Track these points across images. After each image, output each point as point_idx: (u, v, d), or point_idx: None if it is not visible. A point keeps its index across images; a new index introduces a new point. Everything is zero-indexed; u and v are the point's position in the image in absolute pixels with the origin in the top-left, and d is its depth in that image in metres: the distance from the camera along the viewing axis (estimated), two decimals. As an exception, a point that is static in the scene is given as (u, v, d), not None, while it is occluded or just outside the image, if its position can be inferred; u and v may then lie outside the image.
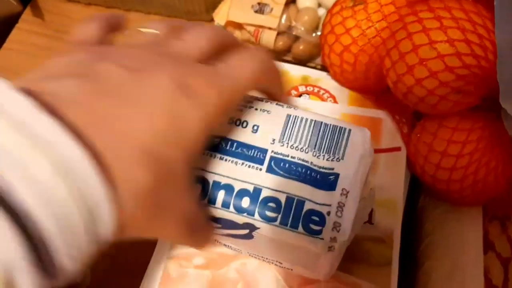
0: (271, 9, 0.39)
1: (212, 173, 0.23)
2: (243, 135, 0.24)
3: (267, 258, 0.27)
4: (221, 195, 0.23)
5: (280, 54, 0.41)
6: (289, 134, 0.24)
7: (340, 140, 0.23)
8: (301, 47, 0.40)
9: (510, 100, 0.28)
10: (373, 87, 0.35)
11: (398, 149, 0.34)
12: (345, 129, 0.24)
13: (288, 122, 0.24)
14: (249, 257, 0.31)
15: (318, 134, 0.24)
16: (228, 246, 0.28)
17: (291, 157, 0.23)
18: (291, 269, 0.28)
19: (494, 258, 0.32)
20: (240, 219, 0.23)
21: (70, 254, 0.16)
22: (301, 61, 0.41)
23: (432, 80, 0.28)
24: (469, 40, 0.28)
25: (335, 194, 0.22)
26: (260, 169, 0.23)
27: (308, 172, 0.23)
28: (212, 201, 0.23)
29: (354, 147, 0.23)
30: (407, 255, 0.35)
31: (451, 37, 0.28)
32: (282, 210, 0.22)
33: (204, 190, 0.23)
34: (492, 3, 0.28)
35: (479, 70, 0.28)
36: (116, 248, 0.38)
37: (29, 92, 0.16)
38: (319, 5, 0.41)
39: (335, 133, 0.24)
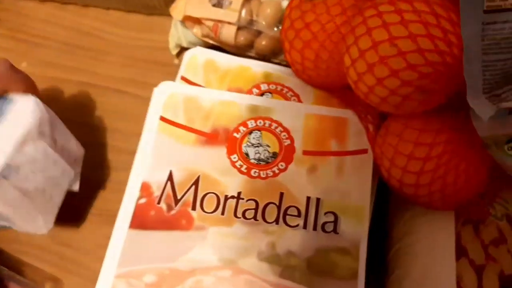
0: (230, 3, 0.37)
1: None
2: None
3: None
4: None
5: (243, 50, 0.39)
6: None
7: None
8: (263, 43, 0.37)
9: (478, 100, 0.26)
10: (337, 85, 0.33)
11: (364, 151, 0.32)
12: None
13: None
14: (204, 273, 0.29)
15: None
16: None
17: None
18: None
19: (467, 265, 0.30)
20: None
21: None
22: (266, 57, 0.39)
23: (394, 79, 0.26)
24: (432, 35, 0.25)
25: None
26: None
27: None
28: None
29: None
30: (376, 263, 0.33)
31: (413, 32, 0.25)
32: None
33: None
34: (457, -7, 0.26)
35: (444, 67, 0.26)
36: (63, 269, 0.37)
37: None
38: (283, -3, 0.39)
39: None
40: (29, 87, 0.33)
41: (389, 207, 0.34)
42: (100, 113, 0.42)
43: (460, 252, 0.31)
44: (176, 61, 0.43)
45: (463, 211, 0.31)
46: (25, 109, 0.30)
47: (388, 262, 0.33)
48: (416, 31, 0.25)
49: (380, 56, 0.26)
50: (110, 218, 0.35)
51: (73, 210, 0.38)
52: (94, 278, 0.30)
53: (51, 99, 0.42)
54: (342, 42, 0.29)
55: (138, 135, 0.34)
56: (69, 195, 0.38)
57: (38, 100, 0.31)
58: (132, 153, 0.33)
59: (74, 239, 0.37)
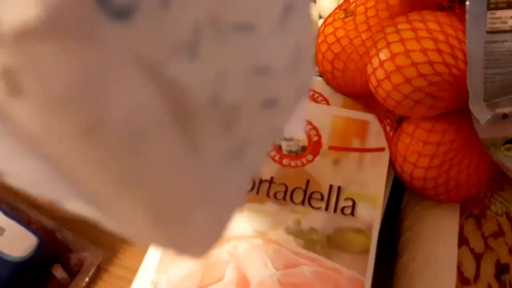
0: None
1: None
2: None
3: None
4: None
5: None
6: None
7: None
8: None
9: (478, 106, 0.31)
10: (361, 92, 0.38)
11: (382, 149, 0.37)
12: None
13: None
14: (240, 240, 0.35)
15: None
16: None
17: None
18: None
19: (467, 253, 0.35)
20: None
21: None
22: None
23: (407, 85, 0.31)
24: (441, 49, 0.31)
25: None
26: None
27: None
28: None
29: None
30: (390, 250, 0.37)
31: (424, 47, 0.31)
32: None
33: None
34: (465, 15, 0.31)
35: (450, 77, 0.31)
36: (119, 240, 0.43)
37: None
38: (320, 17, 0.44)
39: None
40: None
41: (404, 200, 0.39)
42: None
43: (462, 241, 0.35)
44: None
45: (466, 206, 0.36)
46: None
47: (399, 248, 0.38)
48: (427, 46, 0.31)
49: (396, 65, 0.31)
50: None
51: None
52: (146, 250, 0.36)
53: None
54: (366, 54, 0.34)
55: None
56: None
57: None
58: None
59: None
